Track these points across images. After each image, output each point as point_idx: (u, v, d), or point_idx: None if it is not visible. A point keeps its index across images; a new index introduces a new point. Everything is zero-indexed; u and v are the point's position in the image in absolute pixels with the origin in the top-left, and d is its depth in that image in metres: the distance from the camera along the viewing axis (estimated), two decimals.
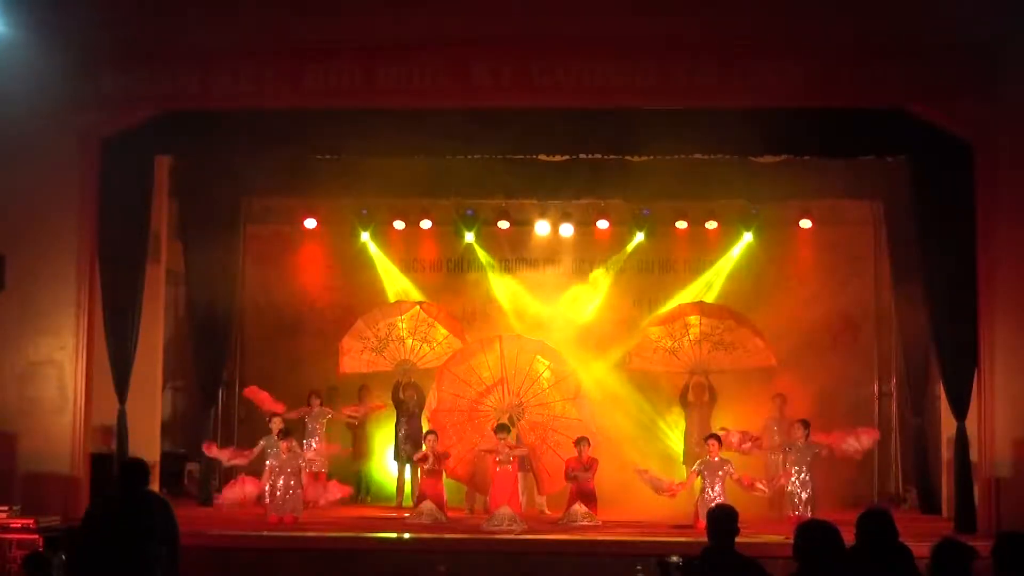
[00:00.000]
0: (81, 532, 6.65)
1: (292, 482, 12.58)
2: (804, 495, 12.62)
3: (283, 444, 12.67)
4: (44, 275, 12.41)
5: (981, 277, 12.17)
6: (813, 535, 5.75)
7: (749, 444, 12.99)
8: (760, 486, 12.49)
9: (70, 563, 6.67)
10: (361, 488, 15.06)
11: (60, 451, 12.12)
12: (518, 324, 15.62)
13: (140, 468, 7.01)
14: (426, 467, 12.97)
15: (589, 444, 12.84)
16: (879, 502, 5.59)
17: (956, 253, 12.30)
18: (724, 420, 13.78)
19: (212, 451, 13.65)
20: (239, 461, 13.33)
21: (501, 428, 12.70)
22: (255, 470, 14.02)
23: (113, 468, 12.56)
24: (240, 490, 12.93)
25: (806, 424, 12.86)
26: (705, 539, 6.61)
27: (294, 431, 13.63)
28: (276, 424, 13.38)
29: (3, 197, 12.50)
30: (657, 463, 14.61)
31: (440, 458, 12.92)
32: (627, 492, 13.52)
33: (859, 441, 12.79)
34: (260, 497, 12.92)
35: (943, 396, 12.69)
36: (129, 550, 6.50)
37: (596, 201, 15.81)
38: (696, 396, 14.35)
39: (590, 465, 12.80)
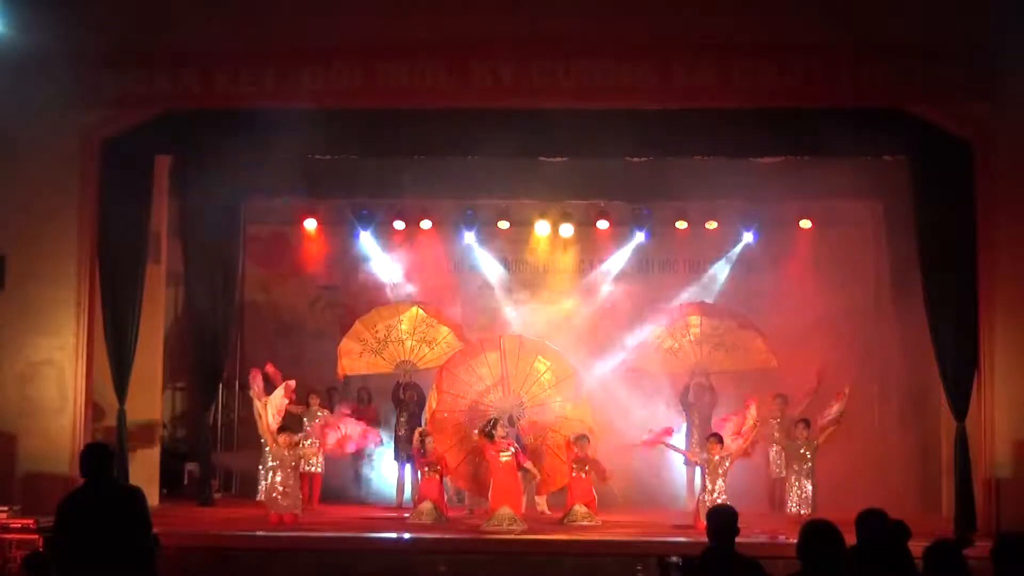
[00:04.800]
0: (67, 527, 6.54)
1: (290, 479, 12.53)
2: (806, 494, 12.64)
3: (282, 438, 12.62)
4: (44, 275, 12.42)
5: (981, 277, 12.18)
6: (814, 534, 5.74)
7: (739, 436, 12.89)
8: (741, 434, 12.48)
9: (60, 561, 6.54)
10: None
11: (60, 451, 12.11)
12: (518, 324, 15.61)
13: (110, 452, 6.91)
14: (425, 468, 12.96)
15: (589, 441, 12.84)
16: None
17: (956, 253, 12.32)
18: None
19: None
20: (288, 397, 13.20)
21: (492, 425, 12.56)
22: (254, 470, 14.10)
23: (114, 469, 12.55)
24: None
25: (807, 423, 12.87)
26: (705, 539, 6.61)
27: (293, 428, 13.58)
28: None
29: (3, 197, 12.51)
30: (657, 464, 14.63)
31: (438, 458, 12.91)
32: (627, 492, 13.51)
33: (829, 409, 12.80)
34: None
35: (943, 396, 12.68)
36: (124, 542, 6.44)
37: (596, 201, 15.82)
38: (697, 397, 14.34)
39: (589, 461, 12.78)
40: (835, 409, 12.75)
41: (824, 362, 13.76)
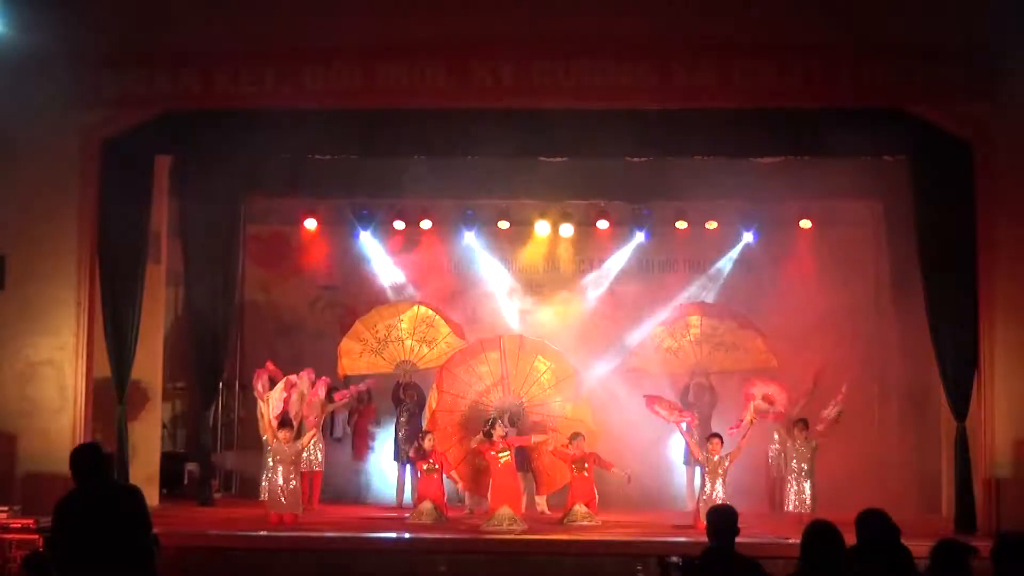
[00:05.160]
0: (66, 528, 6.52)
1: (291, 474, 12.51)
2: (805, 494, 12.65)
3: (282, 434, 12.60)
4: (44, 275, 12.42)
5: (981, 277, 12.18)
6: (816, 535, 5.75)
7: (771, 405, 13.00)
8: (746, 417, 12.51)
9: (60, 562, 6.53)
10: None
11: (60, 451, 12.02)
12: (518, 324, 15.62)
13: (102, 452, 6.90)
14: (424, 467, 12.95)
15: (583, 438, 12.83)
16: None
17: (955, 253, 12.32)
18: (724, 421, 13.76)
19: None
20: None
21: (491, 424, 12.58)
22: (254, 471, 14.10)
23: (113, 468, 12.57)
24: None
25: (806, 424, 12.87)
26: (705, 539, 6.61)
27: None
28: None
29: (3, 197, 12.51)
30: (657, 464, 14.63)
31: (437, 457, 12.89)
32: (627, 492, 13.51)
33: (828, 409, 12.83)
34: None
35: (943, 396, 12.68)
36: (124, 542, 6.44)
37: (596, 201, 15.82)
38: (697, 397, 14.33)
39: (587, 459, 12.79)
40: (833, 410, 12.76)
41: (822, 363, 13.74)
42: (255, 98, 12.42)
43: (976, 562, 5.89)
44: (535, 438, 12.92)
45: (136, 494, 6.60)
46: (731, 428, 12.66)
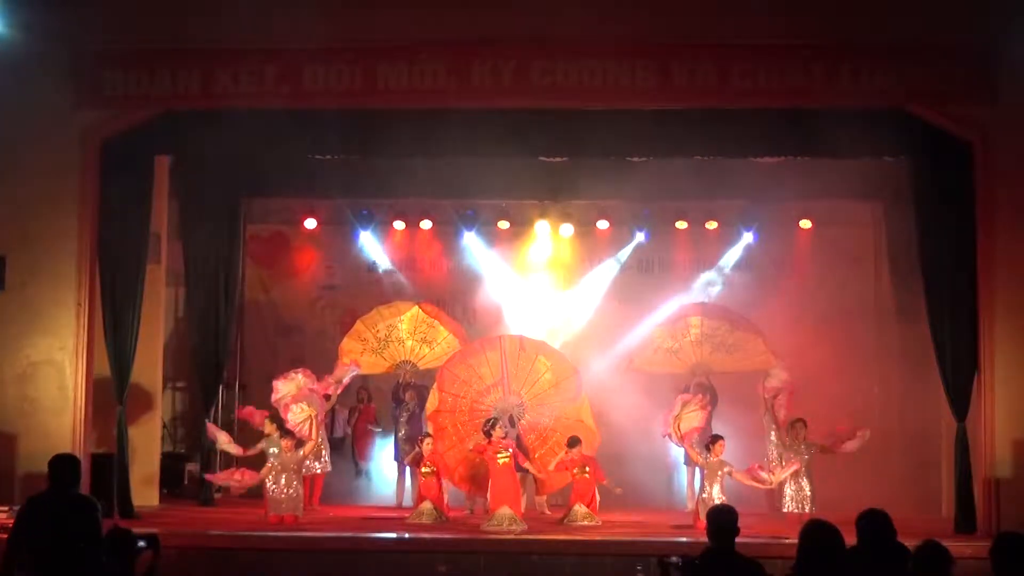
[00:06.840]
0: (30, 530, 6.62)
1: (293, 481, 12.54)
2: (804, 494, 12.64)
3: (284, 442, 12.62)
4: (44, 275, 12.42)
5: (981, 277, 12.19)
6: (814, 534, 5.76)
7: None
8: (763, 475, 12.40)
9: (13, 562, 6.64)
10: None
11: (60, 451, 12.01)
12: (518, 324, 15.61)
13: (78, 462, 7.03)
14: (423, 470, 12.94)
15: (581, 442, 12.80)
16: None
17: (956, 253, 12.33)
18: (724, 422, 13.76)
19: (211, 430, 13.40)
20: (234, 450, 13.17)
21: (491, 424, 12.59)
22: (255, 466, 14.06)
23: (113, 468, 12.59)
24: (232, 476, 12.95)
25: (804, 423, 12.87)
26: (705, 539, 6.61)
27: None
28: (269, 427, 13.21)
29: (3, 197, 12.52)
30: (657, 464, 14.63)
31: (435, 460, 12.87)
32: (627, 492, 13.50)
33: (854, 442, 12.75)
34: (251, 488, 13.05)
35: (943, 396, 12.68)
36: (77, 550, 6.53)
37: (596, 201, 15.82)
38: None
39: (587, 462, 12.77)
40: (857, 442, 12.65)
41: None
42: (255, 98, 12.42)
43: (976, 562, 5.90)
44: (527, 465, 12.80)
45: (96, 505, 6.73)
46: (759, 468, 12.47)
